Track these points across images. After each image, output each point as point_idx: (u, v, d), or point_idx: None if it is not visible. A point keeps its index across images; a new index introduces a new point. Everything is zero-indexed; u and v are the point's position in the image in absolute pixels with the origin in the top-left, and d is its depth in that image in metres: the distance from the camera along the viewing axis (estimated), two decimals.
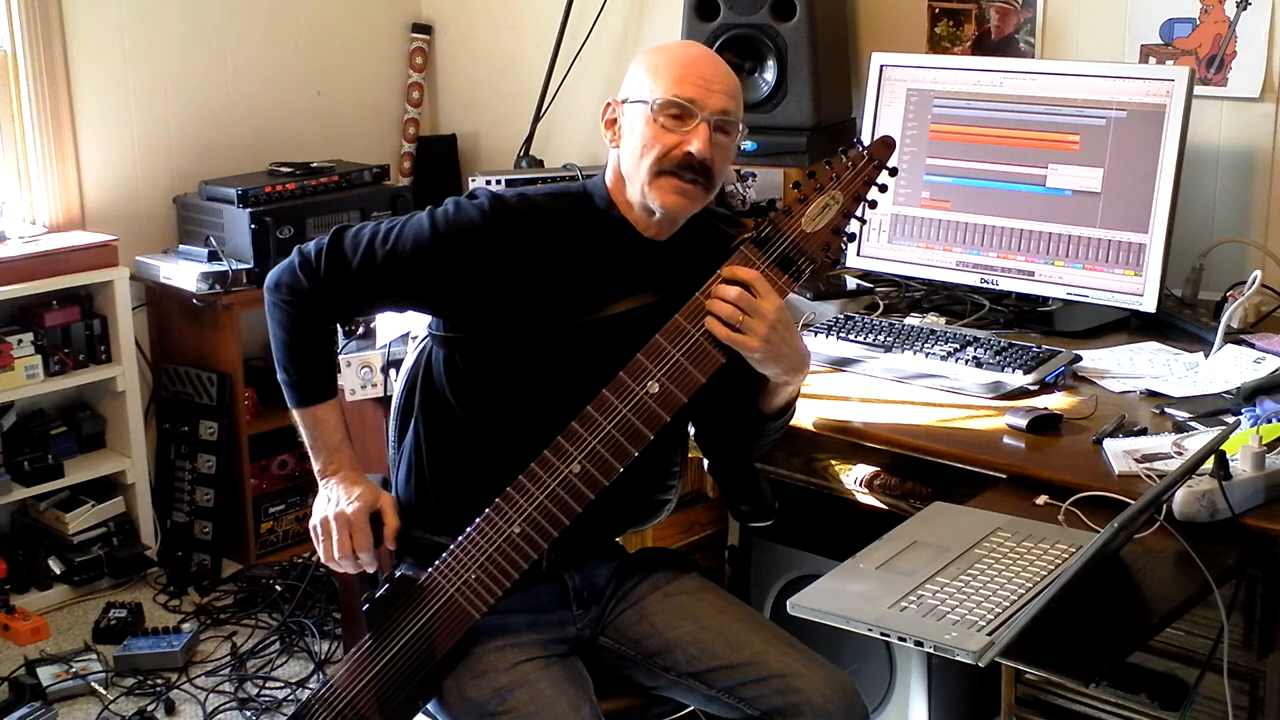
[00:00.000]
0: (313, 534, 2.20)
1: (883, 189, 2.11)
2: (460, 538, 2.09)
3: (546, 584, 2.19)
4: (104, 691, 3.34)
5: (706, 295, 2.06)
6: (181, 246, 3.98)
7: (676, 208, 2.09)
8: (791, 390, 2.19)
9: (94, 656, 3.47)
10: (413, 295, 2.18)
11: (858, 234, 2.12)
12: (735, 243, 2.09)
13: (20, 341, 3.66)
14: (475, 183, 3.49)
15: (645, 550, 2.41)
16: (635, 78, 2.13)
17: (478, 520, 2.08)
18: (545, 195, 2.21)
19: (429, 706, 2.17)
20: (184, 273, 3.84)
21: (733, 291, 2.04)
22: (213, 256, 3.85)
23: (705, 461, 2.45)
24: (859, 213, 2.10)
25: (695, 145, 2.05)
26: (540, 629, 2.17)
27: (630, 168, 2.11)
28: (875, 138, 2.14)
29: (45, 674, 3.37)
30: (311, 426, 2.24)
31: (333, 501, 2.19)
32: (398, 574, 2.15)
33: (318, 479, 2.23)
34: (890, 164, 2.10)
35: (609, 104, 2.17)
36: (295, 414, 2.26)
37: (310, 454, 2.25)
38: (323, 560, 2.20)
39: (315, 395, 2.23)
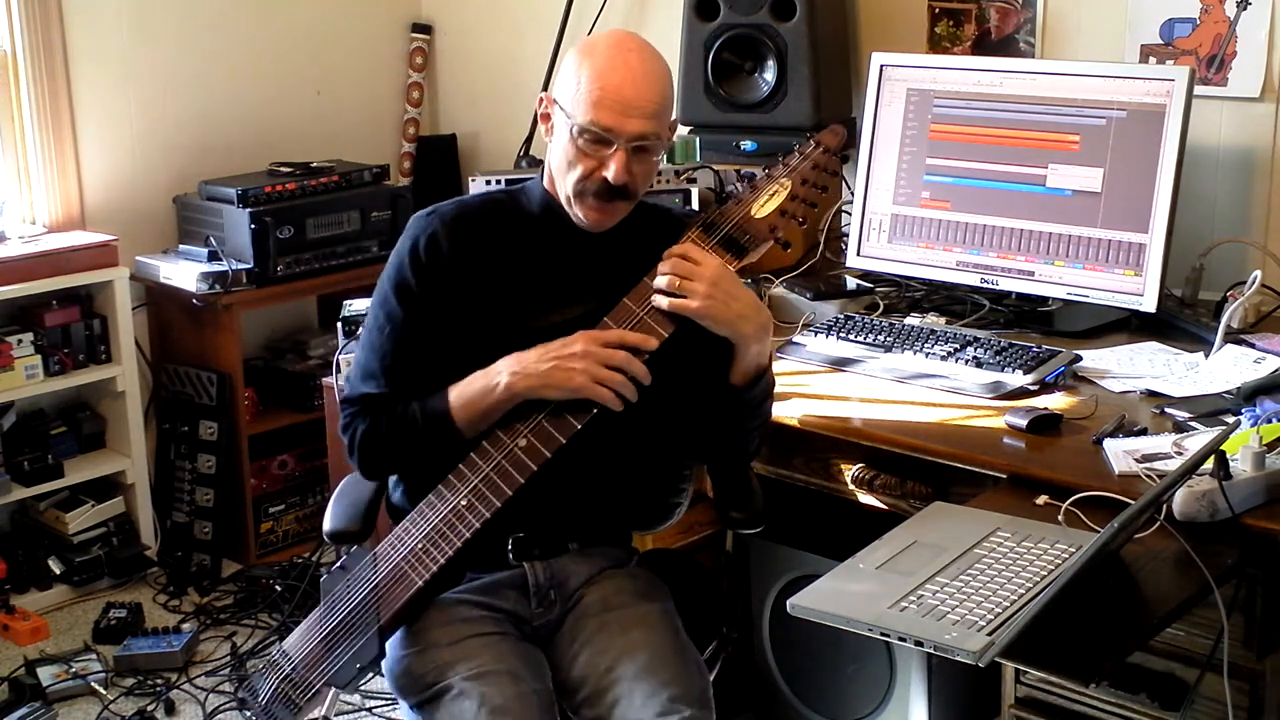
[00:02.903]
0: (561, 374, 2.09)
1: (833, 174, 2.23)
2: (412, 511, 2.14)
3: (508, 574, 2.20)
4: (104, 691, 3.34)
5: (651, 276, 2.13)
6: (181, 246, 3.98)
7: (598, 223, 2.16)
8: (756, 353, 2.17)
9: (94, 656, 3.47)
10: (435, 337, 2.19)
11: (805, 219, 2.24)
12: (685, 230, 2.17)
13: (20, 341, 3.66)
14: (475, 183, 3.48)
15: (646, 556, 2.39)
16: (565, 80, 2.14)
17: (430, 494, 2.13)
18: (482, 199, 2.29)
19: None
20: (184, 273, 3.84)
21: (668, 263, 2.12)
22: (213, 256, 3.85)
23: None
24: (806, 197, 2.19)
25: (611, 172, 2.10)
26: (493, 609, 2.19)
27: (557, 175, 2.18)
28: (828, 128, 2.26)
29: (45, 674, 3.37)
30: (469, 417, 2.13)
31: (539, 360, 2.09)
32: (354, 548, 2.20)
33: (511, 389, 2.10)
34: (841, 150, 2.22)
35: (542, 98, 2.21)
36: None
37: (494, 406, 2.13)
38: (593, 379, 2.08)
39: (446, 426, 2.14)
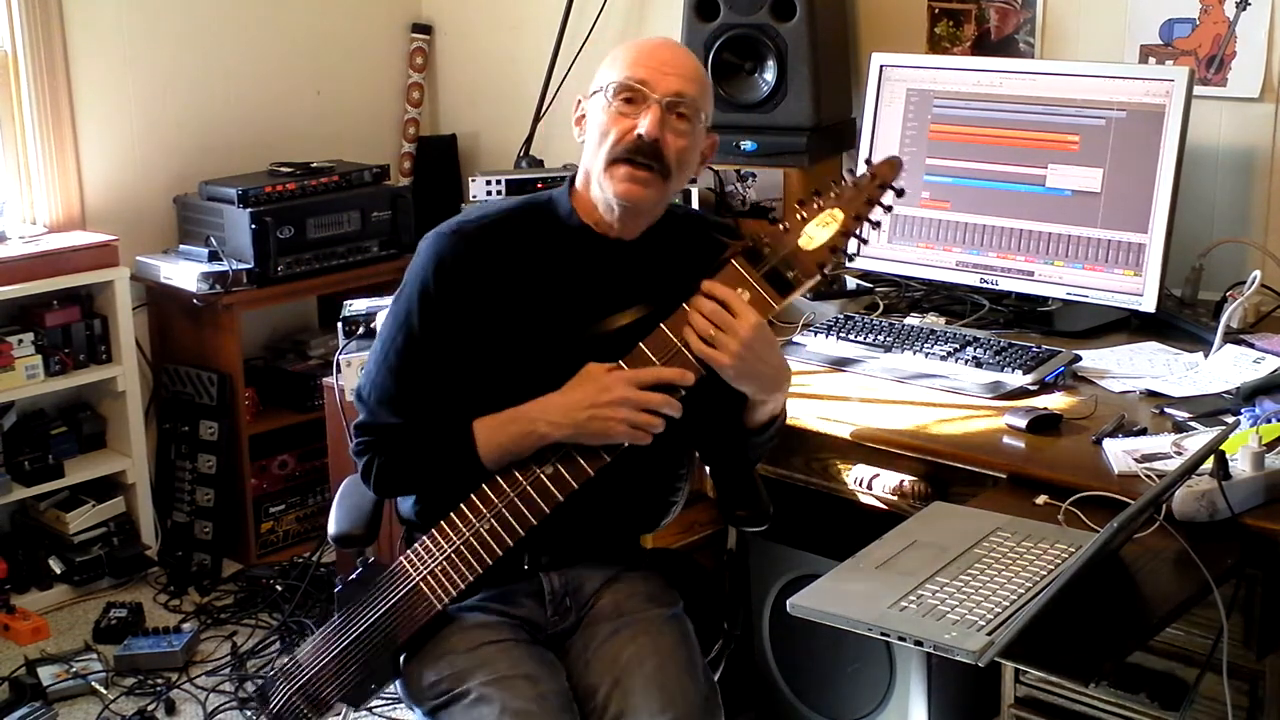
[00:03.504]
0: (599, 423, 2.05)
1: (887, 209, 2.05)
2: (433, 529, 2.11)
3: (523, 583, 2.20)
4: (104, 691, 3.34)
5: (689, 306, 2.05)
6: (182, 246, 3.98)
7: (629, 195, 2.07)
8: (771, 408, 2.17)
9: (94, 656, 3.47)
10: (461, 357, 2.14)
11: (857, 250, 2.08)
12: (727, 254, 2.06)
13: (21, 341, 3.66)
14: (475, 183, 3.49)
15: (650, 555, 2.38)
16: (600, 70, 2.13)
17: (451, 514, 2.10)
18: (504, 212, 2.19)
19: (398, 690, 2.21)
20: (184, 273, 3.84)
21: (708, 306, 2.02)
22: (213, 256, 3.85)
23: (706, 466, 2.45)
24: (860, 231, 2.05)
25: (644, 126, 2.04)
26: (508, 616, 2.19)
27: (589, 158, 2.11)
28: (883, 158, 2.07)
29: (46, 674, 3.37)
30: (499, 459, 2.10)
31: (576, 408, 2.05)
32: (370, 559, 2.17)
33: (546, 438, 2.08)
34: (896, 184, 2.05)
35: (578, 100, 2.17)
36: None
37: (526, 451, 2.11)
38: (633, 424, 2.04)
39: (474, 467, 2.10)
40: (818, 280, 2.06)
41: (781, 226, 2.05)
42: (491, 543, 2.08)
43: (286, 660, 2.25)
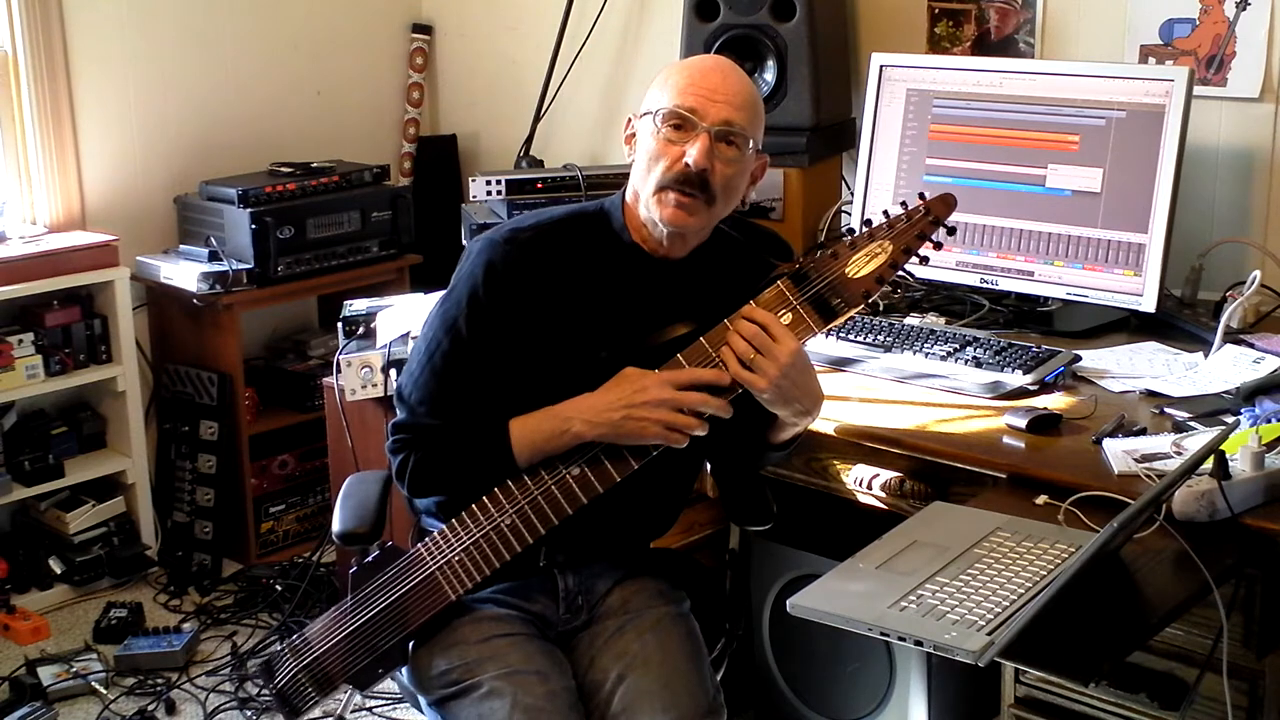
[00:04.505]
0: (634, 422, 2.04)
1: (937, 245, 2.05)
2: (453, 519, 2.11)
3: (538, 578, 2.20)
4: (104, 691, 3.34)
5: (731, 324, 2.05)
6: (182, 246, 3.98)
7: (674, 222, 2.08)
8: (798, 430, 2.17)
9: (94, 656, 3.47)
10: (506, 364, 2.13)
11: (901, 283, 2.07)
12: (774, 274, 2.06)
13: (21, 341, 3.66)
14: (475, 183, 3.48)
15: (654, 555, 2.38)
16: (651, 91, 2.13)
17: (473, 505, 2.10)
18: (556, 221, 2.18)
19: (403, 678, 2.21)
20: (184, 273, 3.84)
21: (749, 329, 2.02)
22: (213, 256, 3.85)
23: (708, 465, 2.45)
24: (907, 264, 2.04)
25: (691, 155, 2.04)
26: (520, 610, 2.19)
27: (638, 181, 2.11)
28: (939, 194, 2.06)
29: (46, 674, 3.38)
30: (531, 457, 2.10)
31: (610, 407, 2.04)
32: (388, 544, 2.17)
33: (580, 437, 2.08)
34: (949, 222, 2.04)
35: (629, 119, 2.17)
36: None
37: (559, 449, 2.10)
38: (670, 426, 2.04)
39: (508, 465, 2.10)
40: (860, 308, 2.06)
41: (830, 253, 2.05)
42: (511, 538, 2.08)
43: (294, 637, 2.24)
